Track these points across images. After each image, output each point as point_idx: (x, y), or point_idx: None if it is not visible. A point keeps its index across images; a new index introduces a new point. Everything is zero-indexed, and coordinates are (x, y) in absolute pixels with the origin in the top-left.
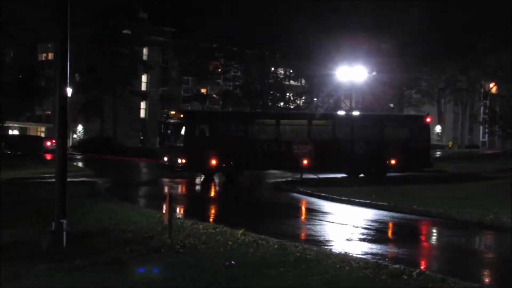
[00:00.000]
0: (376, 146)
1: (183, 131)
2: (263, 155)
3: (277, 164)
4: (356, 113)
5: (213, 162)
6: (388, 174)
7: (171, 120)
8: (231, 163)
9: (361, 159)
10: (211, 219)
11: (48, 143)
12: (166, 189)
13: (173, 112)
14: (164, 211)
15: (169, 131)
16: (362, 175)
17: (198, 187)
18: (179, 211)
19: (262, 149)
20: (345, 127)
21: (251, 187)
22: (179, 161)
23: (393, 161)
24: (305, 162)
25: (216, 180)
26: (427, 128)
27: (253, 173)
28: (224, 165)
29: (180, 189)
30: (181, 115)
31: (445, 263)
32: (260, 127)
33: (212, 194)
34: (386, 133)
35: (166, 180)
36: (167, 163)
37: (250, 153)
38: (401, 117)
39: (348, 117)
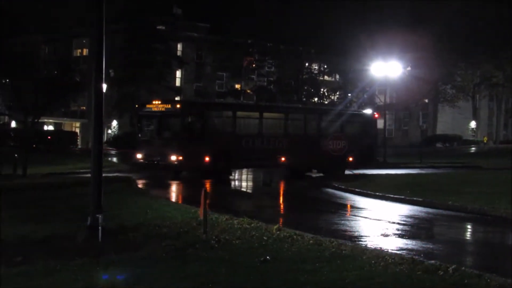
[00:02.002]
0: (339, 142)
1: (178, 124)
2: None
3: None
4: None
5: (208, 159)
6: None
7: (152, 112)
8: (230, 158)
9: (325, 155)
10: (246, 215)
11: None
12: (198, 185)
13: (157, 102)
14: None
15: (141, 125)
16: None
17: (227, 183)
18: (214, 205)
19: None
20: (313, 122)
21: (285, 183)
22: (173, 158)
23: (350, 158)
24: (283, 159)
25: (244, 176)
26: (375, 125)
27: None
28: (220, 162)
29: (209, 185)
30: (178, 105)
31: (481, 259)
32: (243, 120)
33: (246, 189)
34: (345, 129)
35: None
36: (142, 160)
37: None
38: (355, 114)
39: (313, 111)
